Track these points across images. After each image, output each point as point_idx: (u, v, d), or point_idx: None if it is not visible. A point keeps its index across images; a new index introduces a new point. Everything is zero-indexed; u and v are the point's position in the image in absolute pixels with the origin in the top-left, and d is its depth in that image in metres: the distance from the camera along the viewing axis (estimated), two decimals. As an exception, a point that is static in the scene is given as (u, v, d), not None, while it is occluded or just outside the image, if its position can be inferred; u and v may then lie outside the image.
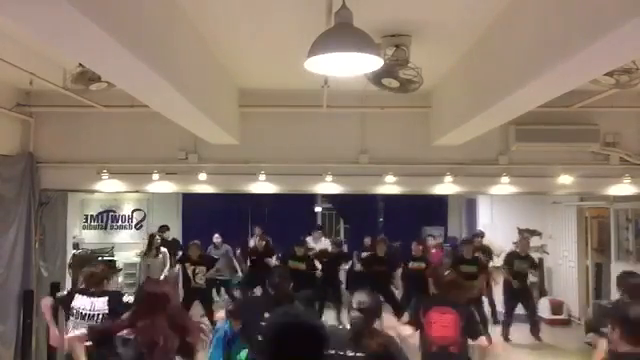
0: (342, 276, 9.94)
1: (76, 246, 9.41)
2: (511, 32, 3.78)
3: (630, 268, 8.22)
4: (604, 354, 3.18)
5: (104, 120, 6.68)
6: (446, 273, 4.37)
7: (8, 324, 6.19)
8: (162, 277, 8.84)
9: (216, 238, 10.17)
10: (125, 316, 3.39)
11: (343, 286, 9.80)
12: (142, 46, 3.06)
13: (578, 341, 7.69)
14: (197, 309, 8.18)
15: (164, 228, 10.16)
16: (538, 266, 9.30)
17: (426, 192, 7.07)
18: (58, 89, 5.50)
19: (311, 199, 12.07)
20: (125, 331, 3.06)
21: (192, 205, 11.28)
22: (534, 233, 10.19)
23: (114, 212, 11.44)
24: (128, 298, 4.32)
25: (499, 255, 9.33)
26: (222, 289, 10.16)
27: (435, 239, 10.98)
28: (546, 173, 6.68)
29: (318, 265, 9.13)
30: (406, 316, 4.54)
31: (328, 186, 6.82)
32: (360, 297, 3.31)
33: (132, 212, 11.50)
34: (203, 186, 6.81)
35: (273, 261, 9.29)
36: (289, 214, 11.25)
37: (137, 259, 10.78)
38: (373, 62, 2.86)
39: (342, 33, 2.72)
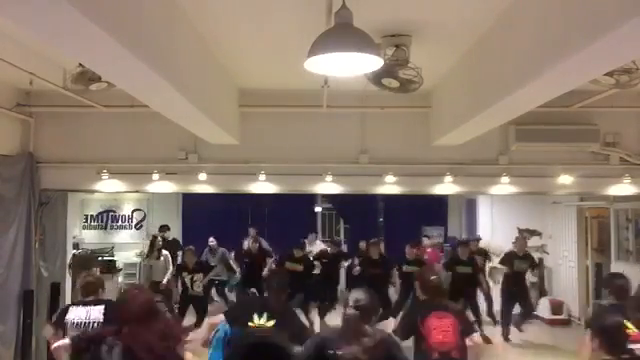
0: (342, 277, 9.96)
1: (76, 246, 9.40)
2: (511, 32, 3.78)
3: (630, 268, 8.25)
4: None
5: (104, 120, 6.68)
6: (432, 277, 4.34)
7: (8, 324, 6.19)
8: (165, 279, 8.85)
9: (211, 242, 10.05)
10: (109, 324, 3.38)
11: (342, 286, 9.82)
12: (142, 46, 3.06)
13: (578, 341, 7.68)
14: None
15: (164, 228, 10.15)
16: (538, 265, 9.30)
17: (426, 192, 7.07)
18: (58, 89, 5.50)
19: (311, 199, 12.06)
20: (110, 337, 3.04)
21: (192, 205, 11.28)
22: (534, 233, 10.19)
23: (114, 212, 11.45)
24: None
25: (499, 255, 9.33)
26: (220, 289, 10.15)
27: (431, 239, 11.02)
28: (546, 173, 6.68)
29: (316, 266, 9.15)
30: (395, 321, 4.50)
31: (328, 186, 6.82)
32: (357, 294, 3.30)
33: (132, 212, 11.51)
34: (203, 186, 6.81)
35: (269, 263, 9.28)
36: (289, 214, 11.24)
37: (137, 259, 10.80)
38: (373, 62, 2.86)
39: (342, 33, 2.72)
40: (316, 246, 10.48)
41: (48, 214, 6.76)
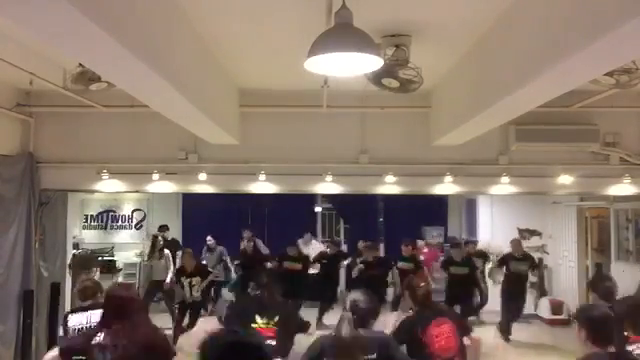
0: (342, 277, 9.96)
1: (76, 246, 9.40)
2: (511, 32, 3.78)
3: (630, 268, 8.26)
4: None
5: (104, 120, 6.68)
6: (422, 285, 4.34)
7: (8, 324, 6.18)
8: (168, 279, 8.85)
9: (209, 240, 10.09)
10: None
11: (342, 286, 9.81)
12: (142, 46, 3.06)
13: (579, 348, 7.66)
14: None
15: (164, 228, 10.14)
16: (538, 266, 9.30)
17: (426, 192, 7.08)
18: (58, 89, 5.50)
19: (311, 199, 12.04)
20: (100, 338, 3.04)
21: (192, 205, 11.26)
22: (534, 233, 10.19)
23: (114, 212, 11.44)
24: None
25: (499, 255, 9.33)
26: (218, 290, 10.13)
27: (427, 240, 11.09)
28: (546, 173, 6.69)
29: (314, 265, 9.18)
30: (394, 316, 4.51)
31: (328, 186, 6.82)
32: (355, 296, 3.30)
33: (132, 212, 11.49)
34: (203, 186, 6.81)
35: (267, 263, 9.32)
36: (289, 214, 11.22)
37: (137, 259, 10.79)
38: (373, 62, 2.86)
39: (342, 33, 2.72)
40: (312, 246, 10.51)
41: (48, 214, 6.77)
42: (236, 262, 9.66)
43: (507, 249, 8.95)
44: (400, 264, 8.70)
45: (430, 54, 4.63)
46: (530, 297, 9.23)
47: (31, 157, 6.59)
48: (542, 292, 9.86)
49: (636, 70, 4.23)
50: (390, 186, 6.77)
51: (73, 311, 4.47)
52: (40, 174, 6.67)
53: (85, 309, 4.32)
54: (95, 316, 4.23)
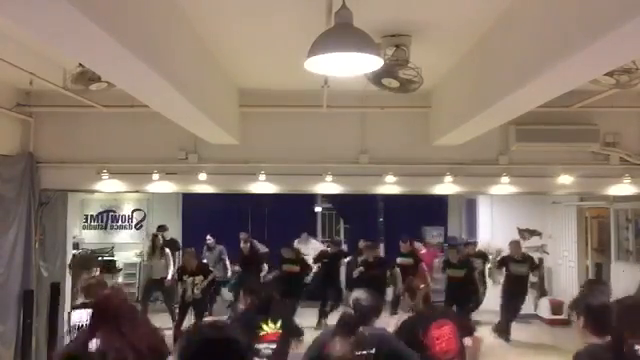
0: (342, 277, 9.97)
1: (76, 246, 9.40)
2: (511, 32, 3.78)
3: (630, 268, 8.27)
4: None
5: (104, 120, 6.68)
6: (422, 287, 4.36)
7: (8, 324, 6.18)
8: (170, 275, 8.89)
9: (209, 239, 10.13)
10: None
11: (342, 285, 9.83)
12: (142, 46, 3.06)
13: (578, 342, 7.67)
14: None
15: (162, 228, 10.15)
16: (539, 267, 9.30)
17: (426, 192, 7.07)
18: (58, 89, 5.50)
19: (311, 199, 12.04)
20: (92, 345, 3.03)
21: (192, 205, 11.26)
22: (534, 233, 10.19)
23: (114, 212, 11.45)
24: None
25: (497, 256, 9.33)
26: (218, 289, 10.14)
27: (425, 241, 11.11)
28: (546, 173, 6.68)
29: (313, 266, 9.25)
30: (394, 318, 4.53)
31: (328, 186, 6.82)
32: (357, 294, 3.30)
33: (132, 212, 11.50)
34: (203, 186, 6.81)
35: (265, 265, 9.35)
36: (289, 214, 11.22)
37: (137, 259, 10.79)
38: (373, 62, 2.86)
39: (342, 33, 2.72)
40: (311, 245, 10.53)
41: (48, 214, 6.76)
42: (236, 268, 9.70)
43: (506, 250, 8.96)
44: (400, 260, 8.92)
45: (430, 54, 4.63)
46: (530, 297, 9.25)
47: (31, 157, 6.58)
48: (542, 292, 9.87)
49: (636, 70, 4.22)
50: (390, 186, 6.77)
51: (75, 307, 4.50)
52: (40, 174, 6.67)
53: (87, 306, 4.34)
54: None
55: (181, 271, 8.43)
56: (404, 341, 4.20)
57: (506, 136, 6.66)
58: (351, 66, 2.96)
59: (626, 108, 6.44)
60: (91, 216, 11.32)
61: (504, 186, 6.76)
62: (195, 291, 8.11)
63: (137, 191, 8.22)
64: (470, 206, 11.67)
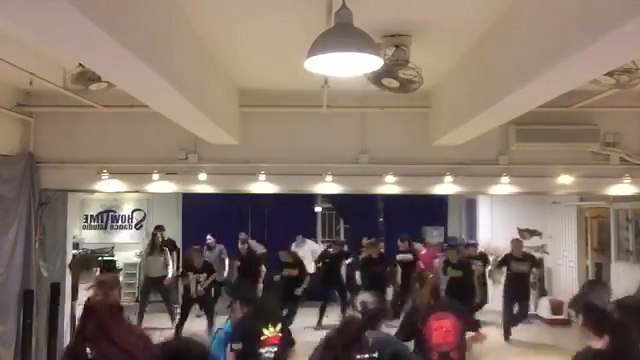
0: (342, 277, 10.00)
1: (76, 246, 9.40)
2: (511, 32, 3.78)
3: (630, 268, 8.26)
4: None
5: (104, 120, 6.68)
6: (430, 276, 4.37)
7: (8, 324, 6.18)
8: (169, 275, 8.91)
9: (209, 239, 10.18)
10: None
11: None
12: (142, 46, 3.06)
13: (578, 341, 7.67)
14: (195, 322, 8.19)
15: (160, 228, 10.15)
16: (540, 265, 9.31)
17: (426, 192, 7.07)
18: (58, 89, 5.50)
19: (311, 199, 12.05)
20: (89, 353, 3.02)
21: (192, 205, 11.26)
22: (534, 233, 10.19)
23: (114, 212, 11.45)
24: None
25: (499, 256, 9.33)
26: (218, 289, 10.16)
27: (426, 240, 11.13)
28: (546, 173, 6.68)
29: (311, 268, 9.41)
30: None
31: (328, 186, 6.82)
32: (364, 297, 3.30)
33: (132, 212, 11.50)
34: (203, 186, 6.81)
35: (263, 267, 9.38)
36: (289, 214, 11.23)
37: (137, 259, 10.79)
38: (373, 62, 2.86)
39: (342, 33, 2.72)
40: (307, 246, 10.56)
41: (48, 214, 6.76)
42: (238, 263, 9.70)
43: (507, 250, 8.96)
44: (400, 256, 9.28)
45: (430, 54, 4.63)
46: (530, 297, 9.24)
47: (31, 157, 6.58)
48: (542, 292, 9.86)
49: (636, 70, 4.22)
50: (390, 186, 6.77)
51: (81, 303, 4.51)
52: (40, 174, 6.67)
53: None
54: None
55: (188, 268, 8.48)
56: (407, 329, 4.22)
57: (506, 136, 6.66)
58: (351, 66, 2.96)
59: (626, 108, 6.44)
60: (91, 216, 11.32)
61: (504, 186, 6.75)
62: (198, 288, 8.18)
63: (137, 191, 8.23)
64: (470, 206, 11.67)
